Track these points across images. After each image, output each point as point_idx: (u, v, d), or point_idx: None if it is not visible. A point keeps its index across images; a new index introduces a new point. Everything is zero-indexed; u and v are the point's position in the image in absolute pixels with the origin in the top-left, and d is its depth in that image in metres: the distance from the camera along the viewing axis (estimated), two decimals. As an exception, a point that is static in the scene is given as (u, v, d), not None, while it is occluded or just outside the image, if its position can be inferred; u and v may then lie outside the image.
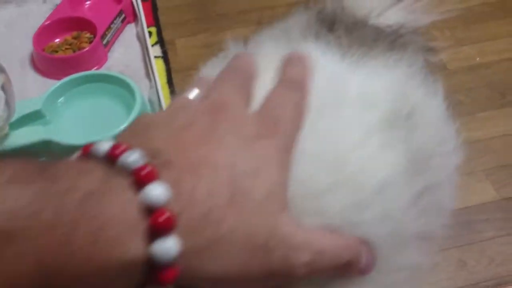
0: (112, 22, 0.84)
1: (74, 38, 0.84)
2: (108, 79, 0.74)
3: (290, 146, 0.30)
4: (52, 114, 0.70)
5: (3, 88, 0.61)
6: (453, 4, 0.94)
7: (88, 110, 0.72)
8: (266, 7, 0.94)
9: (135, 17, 0.89)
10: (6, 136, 0.65)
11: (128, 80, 0.73)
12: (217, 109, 0.29)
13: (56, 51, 0.81)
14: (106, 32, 0.83)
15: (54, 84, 0.74)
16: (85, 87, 0.74)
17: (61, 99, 0.72)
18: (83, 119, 0.71)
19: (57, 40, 0.84)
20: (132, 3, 0.89)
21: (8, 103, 0.62)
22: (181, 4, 0.95)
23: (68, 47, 0.82)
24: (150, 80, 0.79)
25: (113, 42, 0.85)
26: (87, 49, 0.81)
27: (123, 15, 0.87)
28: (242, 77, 0.34)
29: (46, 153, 0.67)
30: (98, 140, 0.25)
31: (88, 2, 0.90)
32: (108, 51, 0.84)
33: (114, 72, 0.75)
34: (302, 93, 0.34)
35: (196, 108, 0.30)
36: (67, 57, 0.80)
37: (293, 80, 0.34)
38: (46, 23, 0.84)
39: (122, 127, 0.67)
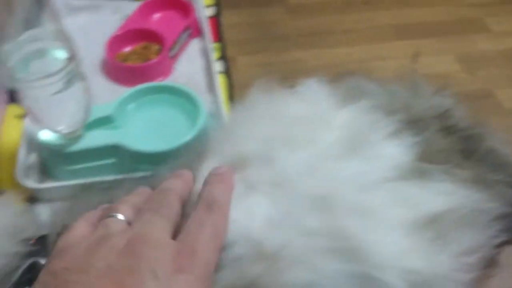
0: (179, 36, 0.89)
1: (143, 48, 0.88)
2: (174, 91, 0.78)
3: (208, 274, 0.33)
4: (121, 120, 0.74)
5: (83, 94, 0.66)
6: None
7: (154, 119, 0.76)
8: (324, 32, 0.98)
9: (200, 33, 0.93)
10: (79, 137, 0.70)
11: (193, 93, 0.77)
12: (136, 247, 0.32)
13: (126, 60, 0.86)
14: (173, 45, 0.87)
15: (124, 91, 0.79)
16: (152, 97, 0.78)
17: (130, 107, 0.76)
18: (149, 127, 0.75)
19: (127, 49, 0.89)
20: (198, 19, 0.94)
21: (86, 108, 0.67)
22: (243, 22, 0.99)
23: (137, 57, 0.87)
24: (212, 94, 0.83)
25: (179, 56, 0.90)
26: (155, 60, 0.85)
27: (189, 30, 0.91)
28: (169, 202, 0.37)
29: (115, 156, 0.71)
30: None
31: (156, 15, 0.95)
32: (174, 63, 0.88)
33: (180, 84, 0.78)
34: (221, 213, 0.36)
35: (115, 247, 0.32)
36: (137, 66, 0.84)
37: (212, 201, 0.37)
38: (118, 32, 0.89)
39: (186, 138, 0.71)
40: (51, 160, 0.72)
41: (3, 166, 0.75)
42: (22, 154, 0.72)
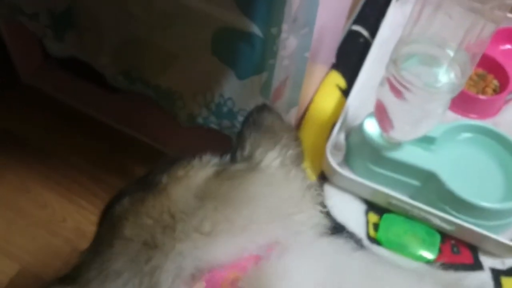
0: (525, 83, 0.80)
1: (480, 77, 0.81)
2: (505, 142, 0.71)
3: None
4: (442, 148, 0.69)
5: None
6: None
7: (472, 160, 0.70)
8: None
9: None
10: (398, 146, 0.67)
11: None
12: None
13: (460, 82, 0.80)
14: (514, 90, 0.79)
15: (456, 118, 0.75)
16: (478, 137, 0.72)
17: (457, 138, 0.71)
18: (464, 167, 0.69)
19: (462, 69, 0.83)
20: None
21: (431, 127, 0.63)
22: None
23: (472, 84, 0.80)
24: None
25: (511, 101, 0.81)
26: (490, 97, 0.78)
27: (535, 80, 0.82)
28: None
29: (423, 181, 0.67)
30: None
31: (506, 46, 0.87)
32: (503, 107, 0.80)
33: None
34: None
35: None
36: (471, 96, 0.77)
37: None
38: (463, 48, 0.82)
39: (485, 202, 0.64)
40: (358, 151, 0.70)
41: (309, 129, 0.76)
42: (336, 129, 0.71)
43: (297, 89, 0.58)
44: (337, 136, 0.72)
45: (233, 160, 0.46)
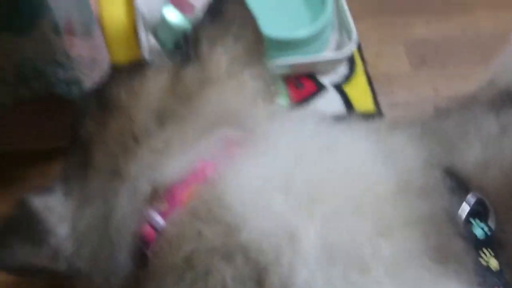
0: None
1: None
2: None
3: None
4: None
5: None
6: None
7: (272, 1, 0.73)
8: None
9: None
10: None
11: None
12: None
13: None
14: None
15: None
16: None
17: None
18: (267, 8, 0.70)
19: None
20: None
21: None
22: None
23: None
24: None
25: None
26: None
27: None
28: None
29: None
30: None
31: None
32: None
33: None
34: None
35: None
36: None
37: None
38: None
39: (302, 32, 0.68)
40: (173, 46, 0.68)
41: (116, 48, 0.70)
42: (142, 36, 0.67)
43: (85, 4, 0.51)
44: (147, 41, 0.68)
45: (186, 58, 0.45)
